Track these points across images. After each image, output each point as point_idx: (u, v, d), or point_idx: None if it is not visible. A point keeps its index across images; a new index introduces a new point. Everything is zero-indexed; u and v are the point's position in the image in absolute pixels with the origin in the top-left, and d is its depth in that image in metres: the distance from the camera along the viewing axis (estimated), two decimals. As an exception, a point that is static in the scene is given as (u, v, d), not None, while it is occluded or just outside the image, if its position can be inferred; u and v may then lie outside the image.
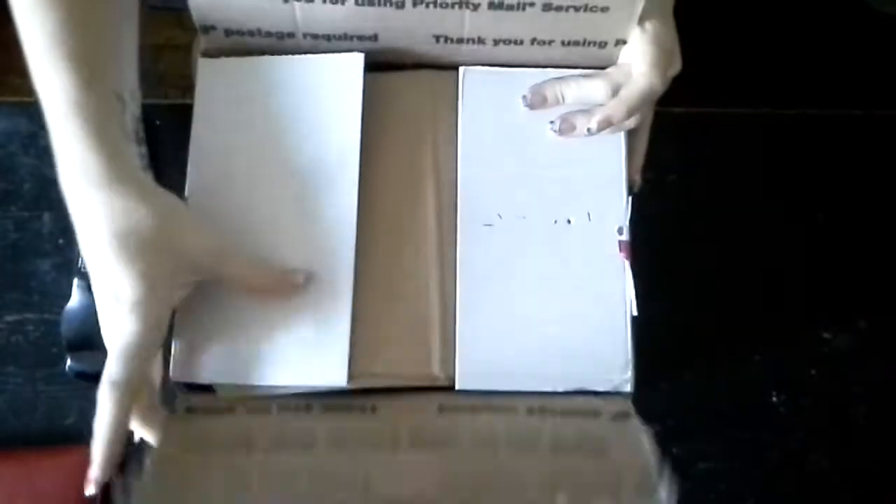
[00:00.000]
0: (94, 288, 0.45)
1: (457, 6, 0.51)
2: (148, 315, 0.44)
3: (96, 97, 0.44)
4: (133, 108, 0.47)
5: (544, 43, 0.54)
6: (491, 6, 0.51)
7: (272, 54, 0.55)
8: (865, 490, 0.60)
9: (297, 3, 0.51)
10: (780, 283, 0.64)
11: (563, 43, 0.54)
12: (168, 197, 0.47)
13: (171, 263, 0.45)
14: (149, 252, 0.44)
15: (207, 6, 0.52)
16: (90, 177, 0.44)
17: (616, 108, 0.52)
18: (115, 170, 0.44)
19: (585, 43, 0.53)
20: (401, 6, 0.51)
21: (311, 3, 0.51)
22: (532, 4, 0.50)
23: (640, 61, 0.52)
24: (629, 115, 0.52)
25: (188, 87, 0.56)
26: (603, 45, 0.53)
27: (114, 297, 0.44)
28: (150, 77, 1.02)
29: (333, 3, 0.51)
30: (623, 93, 0.52)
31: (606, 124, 0.53)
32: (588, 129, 0.53)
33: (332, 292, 0.50)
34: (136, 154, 0.46)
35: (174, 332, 0.49)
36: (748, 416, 0.61)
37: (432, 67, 0.57)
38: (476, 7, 0.51)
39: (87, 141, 0.44)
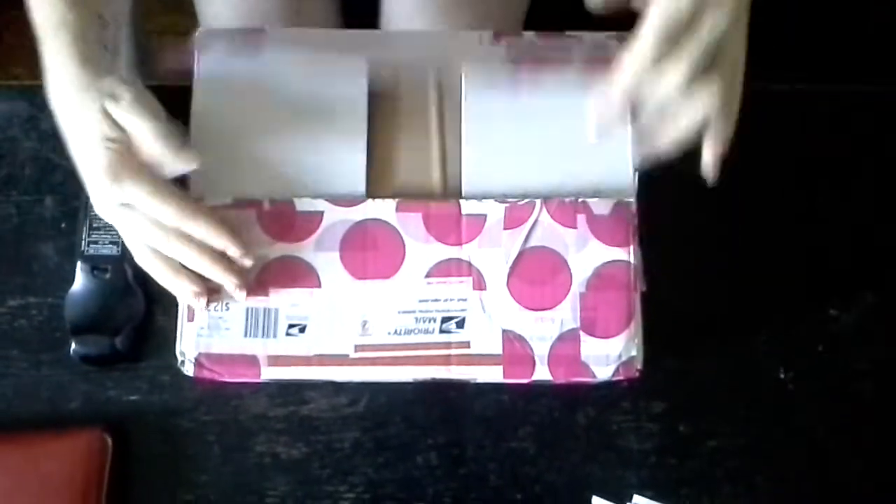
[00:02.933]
0: (87, 185, 0.51)
1: None
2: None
3: (79, 15, 0.51)
4: (114, 28, 0.53)
5: None
6: None
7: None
8: (873, 466, 0.60)
9: None
10: (786, 259, 0.63)
11: None
12: None
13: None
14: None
15: None
16: (73, 81, 0.50)
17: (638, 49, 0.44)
18: (93, 75, 0.50)
19: None
20: None
21: None
22: None
23: None
24: (658, 47, 0.43)
25: (188, 72, 0.56)
26: None
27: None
28: (151, 62, 1.02)
29: None
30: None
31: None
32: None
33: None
34: (113, 65, 0.52)
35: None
36: (756, 394, 0.61)
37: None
38: None
39: (71, 51, 0.50)
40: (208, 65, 0.55)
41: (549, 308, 0.53)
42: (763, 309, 0.62)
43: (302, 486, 0.59)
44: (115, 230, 0.59)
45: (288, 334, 0.52)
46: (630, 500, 0.58)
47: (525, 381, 0.53)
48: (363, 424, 0.60)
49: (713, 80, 0.45)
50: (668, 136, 0.47)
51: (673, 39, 0.43)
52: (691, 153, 0.63)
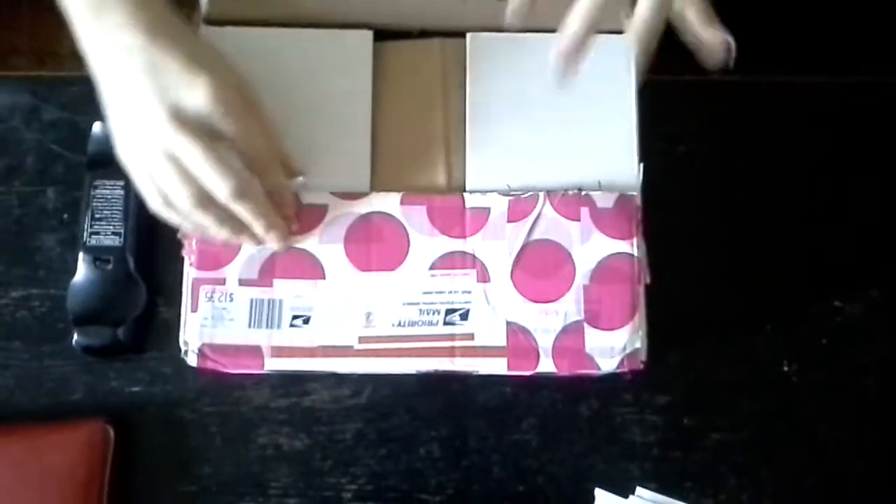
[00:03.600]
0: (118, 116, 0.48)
1: None
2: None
3: None
4: None
5: None
6: None
7: (277, 20, 0.54)
8: (877, 460, 0.60)
9: None
10: (791, 252, 0.63)
11: None
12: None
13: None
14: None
15: None
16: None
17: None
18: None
19: None
20: None
21: None
22: None
23: None
24: None
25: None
26: None
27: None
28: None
29: None
30: None
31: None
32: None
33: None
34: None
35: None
36: (760, 387, 0.61)
37: (438, 35, 0.57)
38: None
39: None
40: None
41: (553, 300, 0.53)
42: (767, 302, 0.62)
43: (304, 477, 0.59)
44: (117, 220, 0.60)
45: (292, 325, 0.52)
46: (633, 492, 0.58)
47: (529, 372, 0.53)
48: (366, 416, 0.60)
49: None
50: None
51: None
52: (694, 147, 0.63)
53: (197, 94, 0.47)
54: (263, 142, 0.50)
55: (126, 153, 0.50)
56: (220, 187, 0.48)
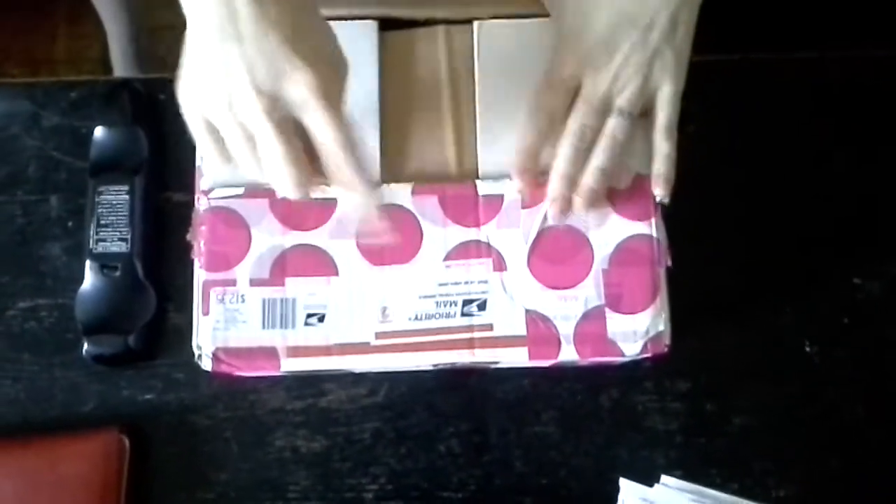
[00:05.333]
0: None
1: None
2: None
3: None
4: None
5: None
6: None
7: None
8: (903, 439, 0.59)
9: None
10: (808, 230, 0.62)
11: None
12: None
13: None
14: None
15: None
16: None
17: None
18: None
19: None
20: None
21: None
22: None
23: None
24: (581, 131, 0.51)
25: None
26: None
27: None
28: (152, 57, 1.02)
29: None
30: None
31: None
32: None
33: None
34: None
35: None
36: (781, 369, 0.60)
37: (445, 23, 0.56)
38: None
39: None
40: None
41: (572, 286, 0.52)
42: (786, 283, 0.61)
43: (323, 479, 0.58)
44: (123, 226, 0.59)
45: (307, 324, 0.51)
46: (658, 480, 0.57)
47: (551, 361, 0.52)
48: (383, 415, 0.59)
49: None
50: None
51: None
52: (704, 127, 0.62)
53: (297, 88, 0.45)
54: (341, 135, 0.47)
55: (189, 101, 0.47)
56: (286, 184, 0.46)
